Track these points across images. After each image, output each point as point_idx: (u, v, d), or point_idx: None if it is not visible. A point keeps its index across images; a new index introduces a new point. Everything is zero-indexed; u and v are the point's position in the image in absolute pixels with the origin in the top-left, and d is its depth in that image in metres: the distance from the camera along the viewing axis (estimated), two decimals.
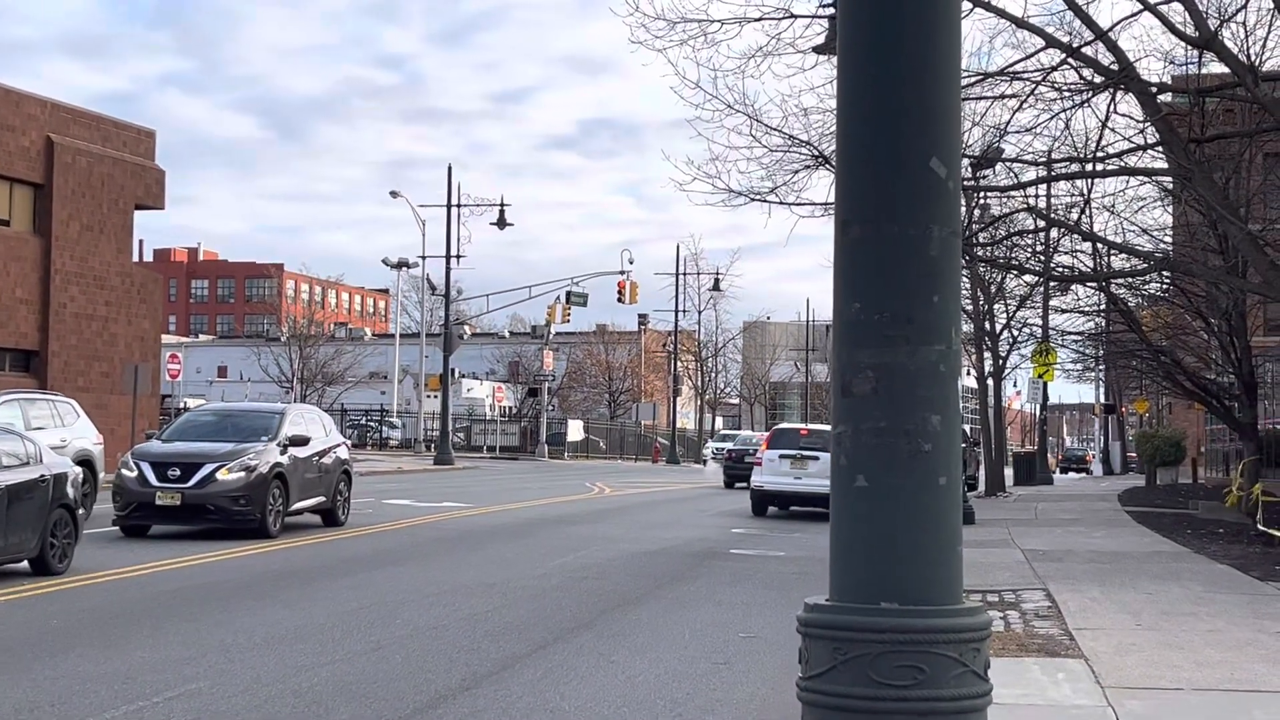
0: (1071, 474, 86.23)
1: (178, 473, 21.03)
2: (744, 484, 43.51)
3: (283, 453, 22.06)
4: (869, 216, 3.34)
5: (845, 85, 3.42)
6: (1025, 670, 9.89)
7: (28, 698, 9.07)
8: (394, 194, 71.04)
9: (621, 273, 73.85)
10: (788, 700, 9.54)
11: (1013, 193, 27.29)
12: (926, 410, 3.28)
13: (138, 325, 44.52)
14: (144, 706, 8.86)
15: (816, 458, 29.60)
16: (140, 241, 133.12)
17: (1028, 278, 38.07)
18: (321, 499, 23.29)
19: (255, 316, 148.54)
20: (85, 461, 24.54)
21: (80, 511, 16.82)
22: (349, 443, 25.51)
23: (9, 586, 14.40)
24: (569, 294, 74.36)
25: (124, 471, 21.36)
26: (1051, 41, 19.96)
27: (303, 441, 22.74)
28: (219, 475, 20.95)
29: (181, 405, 73.20)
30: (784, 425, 36.95)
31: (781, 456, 30.65)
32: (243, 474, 21.07)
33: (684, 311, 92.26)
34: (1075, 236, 29.08)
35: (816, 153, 21.08)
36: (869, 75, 3.37)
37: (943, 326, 3.31)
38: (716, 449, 77.73)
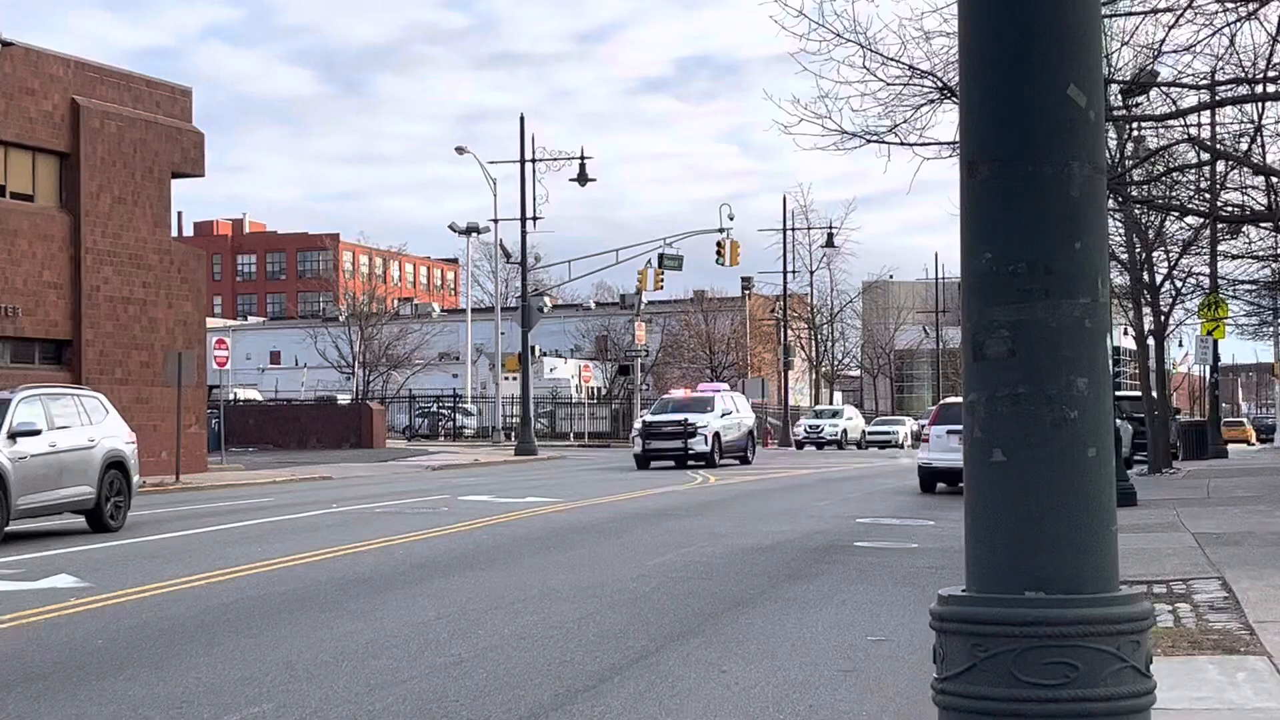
0: (1259, 444, 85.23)
1: None
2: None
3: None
4: (998, 154, 3.33)
5: (967, 3, 3.41)
6: (1199, 670, 9.82)
7: None
8: (460, 150, 71.61)
9: (720, 230, 73.53)
10: (925, 713, 9.56)
11: (1170, 122, 26.90)
12: (1071, 372, 3.28)
13: (179, 308, 45.21)
14: None
15: None
16: (179, 214, 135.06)
17: (1191, 220, 37.56)
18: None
19: (310, 294, 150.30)
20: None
21: None
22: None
23: (46, 605, 14.74)
24: (661, 257, 74.13)
25: None
26: None
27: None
28: None
29: (231, 397, 74.34)
30: (950, 400, 38.96)
31: (949, 432, 32.33)
32: None
33: (794, 272, 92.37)
34: (1245, 170, 28.63)
35: (941, 84, 20.93)
36: None
37: (1087, 276, 3.30)
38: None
